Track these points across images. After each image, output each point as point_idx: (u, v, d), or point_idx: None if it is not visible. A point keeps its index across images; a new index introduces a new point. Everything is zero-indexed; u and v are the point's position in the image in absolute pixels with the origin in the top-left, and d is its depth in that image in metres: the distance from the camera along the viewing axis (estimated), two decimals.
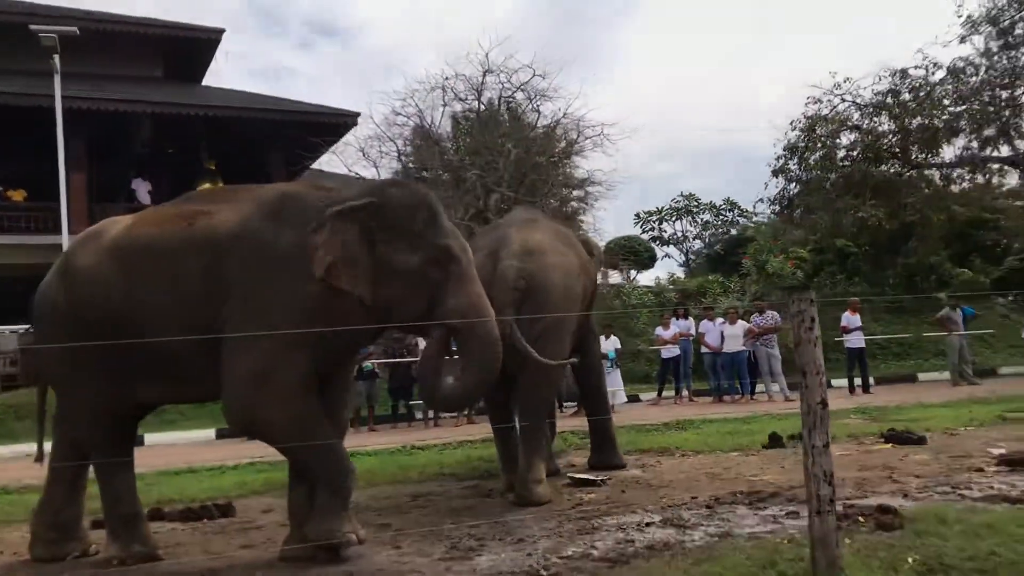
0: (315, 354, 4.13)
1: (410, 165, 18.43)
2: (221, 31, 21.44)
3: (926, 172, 20.47)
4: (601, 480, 6.23)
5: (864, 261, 20.23)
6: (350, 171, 17.96)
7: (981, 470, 6.00)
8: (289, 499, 4.49)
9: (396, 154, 18.26)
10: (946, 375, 15.11)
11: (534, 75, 17.62)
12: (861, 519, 4.43)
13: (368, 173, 17.92)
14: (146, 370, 4.27)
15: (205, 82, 23.29)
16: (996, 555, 3.61)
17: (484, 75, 17.66)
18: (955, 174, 20.72)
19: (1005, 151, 20.30)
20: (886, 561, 3.56)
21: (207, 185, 20.94)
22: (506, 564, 4.01)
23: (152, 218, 4.47)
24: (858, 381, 13.89)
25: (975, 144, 20.30)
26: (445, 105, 18.36)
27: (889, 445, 7.55)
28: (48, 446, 4.75)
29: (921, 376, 16.30)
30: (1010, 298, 20.79)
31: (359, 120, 19.65)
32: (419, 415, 12.97)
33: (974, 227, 22.36)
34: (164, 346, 4.10)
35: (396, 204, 4.25)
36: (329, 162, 20.14)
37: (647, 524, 4.74)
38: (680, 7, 64.26)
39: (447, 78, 18.04)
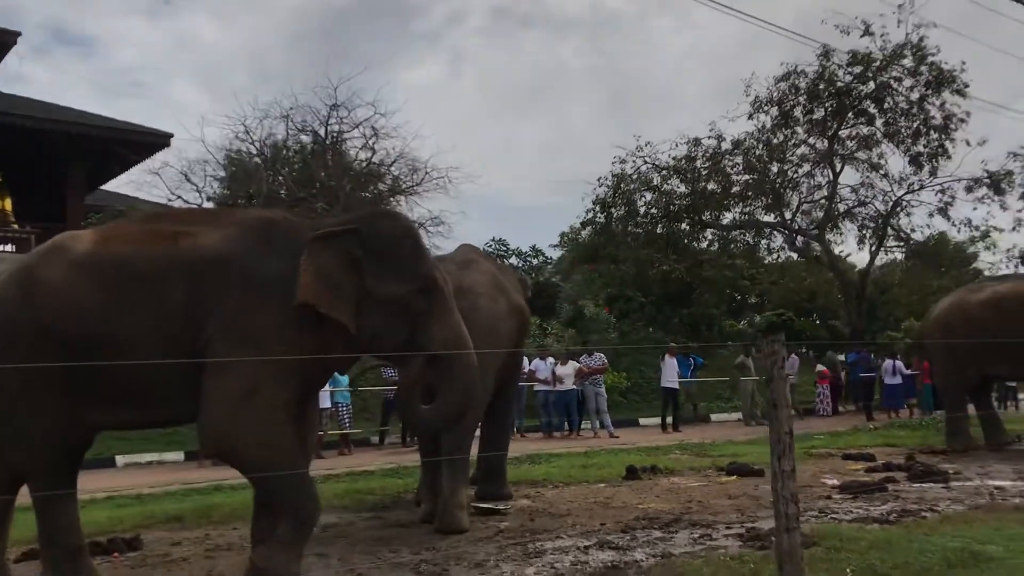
0: (298, 381, 4.12)
1: (231, 191, 17.77)
2: (17, 33, 19.69)
3: (710, 232, 22.69)
4: (504, 509, 6.48)
5: (655, 309, 21.88)
6: (172, 194, 17.07)
7: (830, 497, 6.85)
8: (254, 529, 4.36)
9: (220, 180, 17.57)
10: (736, 416, 16.70)
11: (375, 113, 17.80)
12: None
13: (191, 197, 17.15)
14: (107, 393, 4.04)
15: None
16: (909, 564, 4.26)
17: (331, 108, 17.56)
18: (734, 235, 23.07)
19: (769, 218, 22.90)
20: (830, 572, 4.09)
21: None
22: None
23: (126, 235, 4.24)
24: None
25: (750, 209, 22.74)
26: (288, 135, 18.06)
27: (734, 477, 8.36)
28: None
29: (713, 417, 17.82)
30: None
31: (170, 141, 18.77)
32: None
33: (744, 283, 24.95)
34: (134, 368, 3.91)
35: (384, 233, 4.33)
36: (141, 184, 19.02)
37: (586, 547, 5.06)
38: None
39: (291, 108, 17.83)
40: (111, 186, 21.96)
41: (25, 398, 4.02)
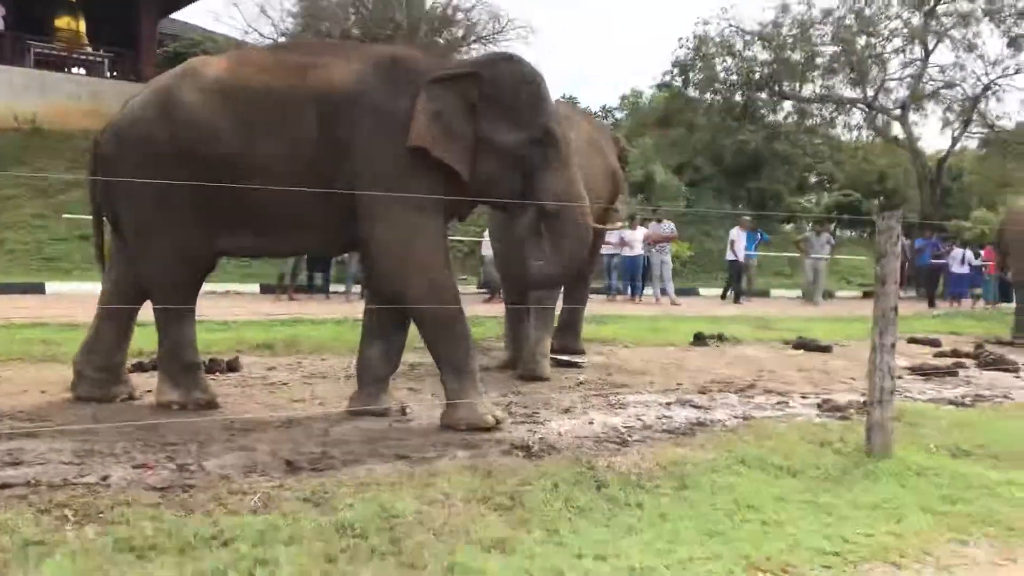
0: (443, 218, 4.24)
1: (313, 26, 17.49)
2: None
3: (788, 104, 21.98)
4: (581, 363, 6.69)
5: (724, 180, 21.54)
6: (249, 27, 16.91)
7: (900, 377, 6.91)
8: (360, 357, 4.56)
9: (294, 16, 17.32)
10: (796, 292, 16.69)
11: None
12: (854, 412, 5.13)
13: (267, 31, 16.99)
14: (237, 218, 4.18)
15: None
16: (989, 444, 4.35)
17: None
18: (812, 108, 22.34)
19: (851, 93, 22.05)
20: (915, 447, 4.20)
21: (66, 19, 19.17)
22: (596, 428, 4.39)
23: (258, 63, 4.27)
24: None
25: (832, 82, 21.92)
26: None
27: (800, 351, 8.47)
28: (96, 286, 4.57)
29: (773, 292, 17.83)
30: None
31: None
32: (340, 289, 12.94)
33: (815, 160, 24.35)
34: (268, 195, 4.03)
35: (504, 80, 4.24)
36: (220, 15, 18.89)
37: (668, 403, 5.24)
38: None
39: None
40: (187, 15, 21.86)
41: (159, 215, 4.17)
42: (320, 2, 18.17)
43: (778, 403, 5.49)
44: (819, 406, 5.42)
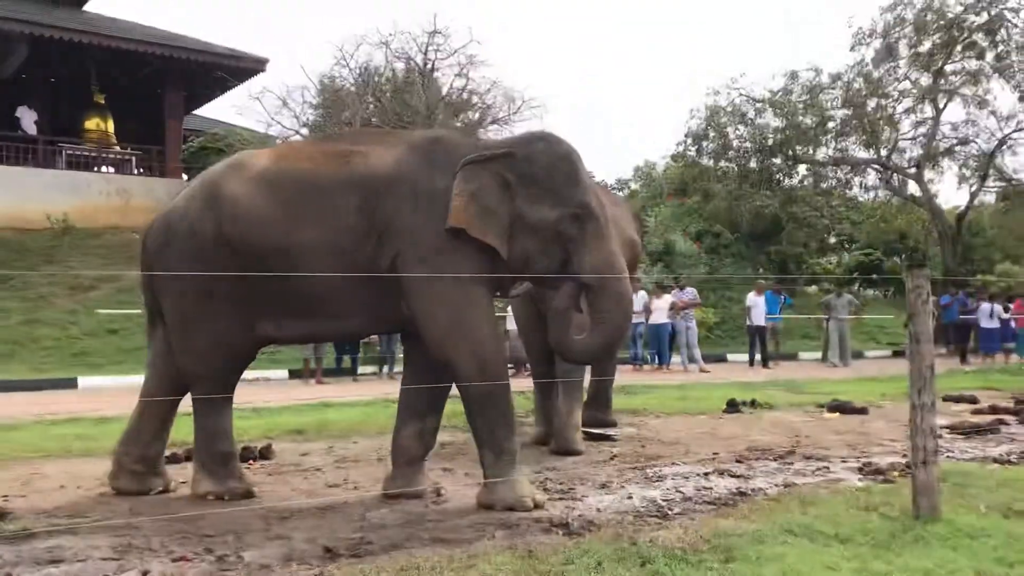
0: (488, 290, 4.30)
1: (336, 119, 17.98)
2: None
3: (803, 168, 22.14)
4: (614, 436, 6.62)
5: (744, 246, 21.58)
6: (271, 119, 17.38)
7: (940, 436, 6.78)
8: (395, 438, 4.56)
9: (315, 107, 17.80)
10: (817, 354, 16.57)
11: (471, 40, 17.75)
12: (897, 474, 5.03)
13: (289, 123, 17.44)
14: (281, 306, 4.25)
15: (88, 7, 21.70)
16: None
17: (431, 35, 17.53)
18: (827, 171, 22.47)
19: (865, 155, 22.20)
20: (964, 508, 4.10)
21: (96, 120, 19.76)
22: (635, 502, 4.33)
23: (302, 153, 4.42)
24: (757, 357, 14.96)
25: (845, 145, 22.10)
26: (387, 62, 18.15)
27: (836, 414, 8.34)
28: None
29: (801, 355, 17.65)
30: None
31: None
32: (369, 369, 12.97)
33: (833, 221, 24.37)
34: (311, 282, 4.09)
35: (539, 158, 4.29)
36: (243, 109, 19.48)
37: (706, 474, 5.16)
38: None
39: (391, 34, 17.88)
40: (210, 110, 22.49)
41: (203, 306, 4.25)
42: (339, 92, 18.66)
43: (818, 469, 5.40)
44: (860, 470, 5.33)
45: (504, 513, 4.04)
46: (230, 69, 18.78)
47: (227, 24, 59.22)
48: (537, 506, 4.14)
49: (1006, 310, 17.20)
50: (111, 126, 20.16)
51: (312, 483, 4.98)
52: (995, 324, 16.67)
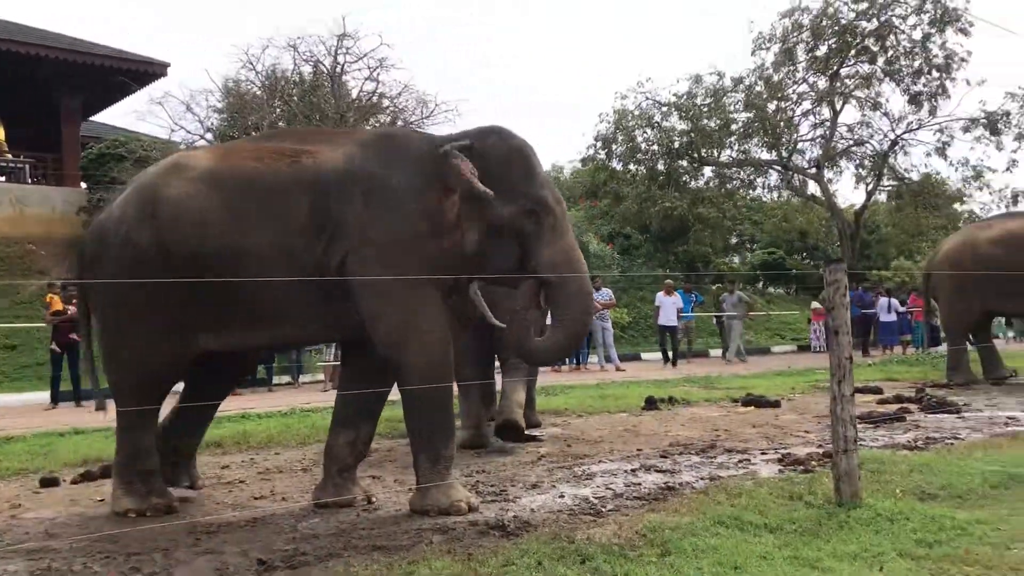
0: (435, 287, 4.11)
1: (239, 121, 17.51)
2: None
3: (709, 170, 22.72)
4: (540, 435, 6.66)
5: (653, 247, 22.02)
6: (175, 124, 16.81)
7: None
8: (328, 446, 4.45)
9: (220, 111, 17.33)
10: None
11: (381, 43, 17.56)
12: (816, 464, 5.19)
13: (193, 127, 16.93)
14: (224, 315, 4.08)
15: None
16: (952, 485, 4.44)
17: (340, 38, 17.24)
18: (731, 173, 23.10)
19: (767, 156, 22.93)
20: (881, 494, 4.26)
21: None
22: (567, 500, 4.35)
23: (246, 152, 4.24)
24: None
25: (748, 147, 22.74)
26: (295, 66, 17.78)
27: (751, 408, 8.58)
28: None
29: (712, 352, 18.12)
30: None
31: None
32: (284, 379, 12.70)
33: (735, 222, 25.16)
34: (259, 288, 3.93)
35: (492, 152, 4.17)
36: (144, 114, 18.79)
37: (633, 470, 5.22)
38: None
39: (299, 37, 17.52)
40: (109, 116, 21.68)
41: (137, 317, 4.07)
42: (245, 96, 18.22)
43: (740, 461, 5.53)
44: (780, 460, 5.48)
45: (439, 518, 4.01)
46: (130, 73, 18.14)
47: (127, 27, 57.24)
48: (471, 509, 4.10)
49: (903, 304, 18.03)
50: (1, 133, 19.20)
51: (237, 496, 4.83)
52: (893, 318, 17.46)
